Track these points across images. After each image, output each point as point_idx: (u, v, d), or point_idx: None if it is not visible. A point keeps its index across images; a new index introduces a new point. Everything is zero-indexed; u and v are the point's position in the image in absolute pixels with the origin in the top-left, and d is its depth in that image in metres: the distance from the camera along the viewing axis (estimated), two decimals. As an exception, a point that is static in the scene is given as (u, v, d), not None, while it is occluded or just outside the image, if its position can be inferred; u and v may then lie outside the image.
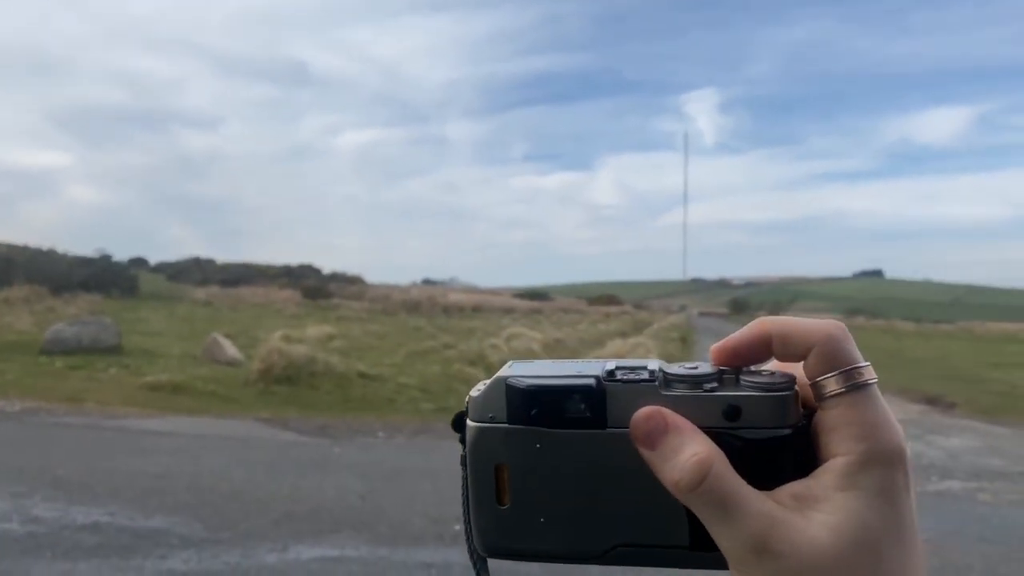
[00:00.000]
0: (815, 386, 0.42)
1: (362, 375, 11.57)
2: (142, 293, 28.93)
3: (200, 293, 31.10)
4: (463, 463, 0.47)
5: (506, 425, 0.45)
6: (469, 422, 0.46)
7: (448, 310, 29.70)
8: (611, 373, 0.44)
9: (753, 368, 0.43)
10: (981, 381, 14.66)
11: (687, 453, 0.41)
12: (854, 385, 0.41)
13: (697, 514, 0.41)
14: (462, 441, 0.47)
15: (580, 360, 0.47)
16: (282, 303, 28.39)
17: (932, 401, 11.97)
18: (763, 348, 0.43)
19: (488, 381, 0.46)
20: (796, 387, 0.42)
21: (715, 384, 0.43)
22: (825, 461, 0.41)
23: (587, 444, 0.44)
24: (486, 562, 0.48)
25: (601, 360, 0.46)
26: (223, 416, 9.03)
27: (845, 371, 0.41)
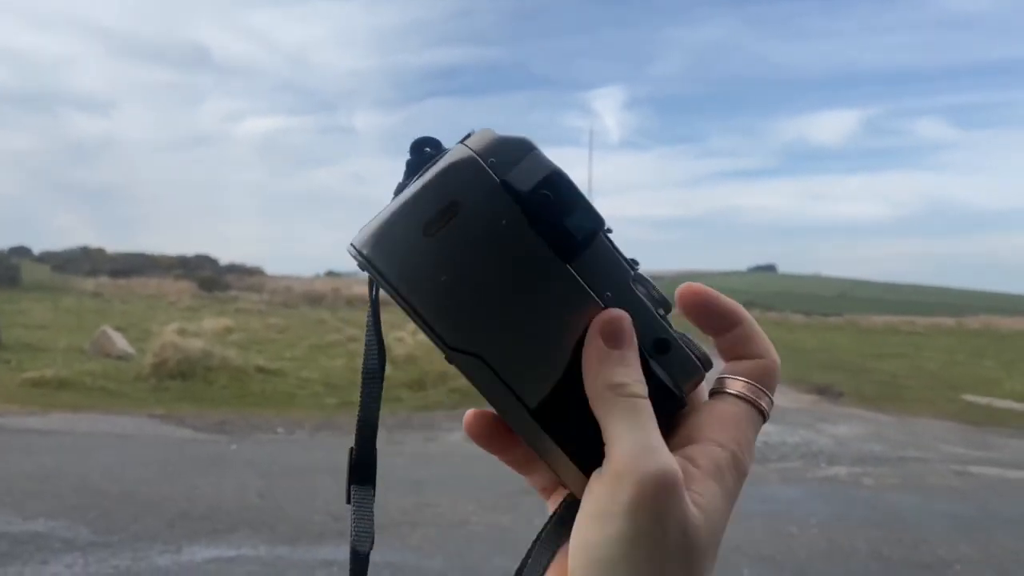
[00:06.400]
0: (727, 378, 0.44)
1: (261, 369, 11.25)
2: (25, 284, 27.40)
3: (88, 284, 29.67)
4: (409, 171, 0.43)
5: (496, 179, 0.40)
6: (464, 146, 0.41)
7: (353, 302, 29.22)
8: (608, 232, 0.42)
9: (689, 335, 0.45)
10: (866, 371, 15.43)
11: (640, 374, 0.41)
12: (758, 405, 0.43)
13: (615, 424, 0.40)
14: (409, 172, 0.43)
15: None
16: (176, 295, 27.33)
17: (822, 391, 12.52)
18: (727, 323, 0.44)
19: (504, 132, 0.41)
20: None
21: (663, 313, 0.43)
22: (689, 436, 0.42)
23: (543, 263, 0.41)
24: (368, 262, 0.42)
25: None
26: (113, 413, 8.63)
27: (760, 388, 0.43)
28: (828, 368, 15.67)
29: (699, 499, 0.39)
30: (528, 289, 0.41)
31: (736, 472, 0.41)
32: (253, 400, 9.86)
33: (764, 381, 0.43)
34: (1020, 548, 5.07)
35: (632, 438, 0.39)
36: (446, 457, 7.17)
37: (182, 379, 10.30)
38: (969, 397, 12.33)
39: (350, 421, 9.17)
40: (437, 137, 0.44)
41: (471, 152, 0.41)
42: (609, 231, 0.42)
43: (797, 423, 9.31)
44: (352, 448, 0.45)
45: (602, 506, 0.39)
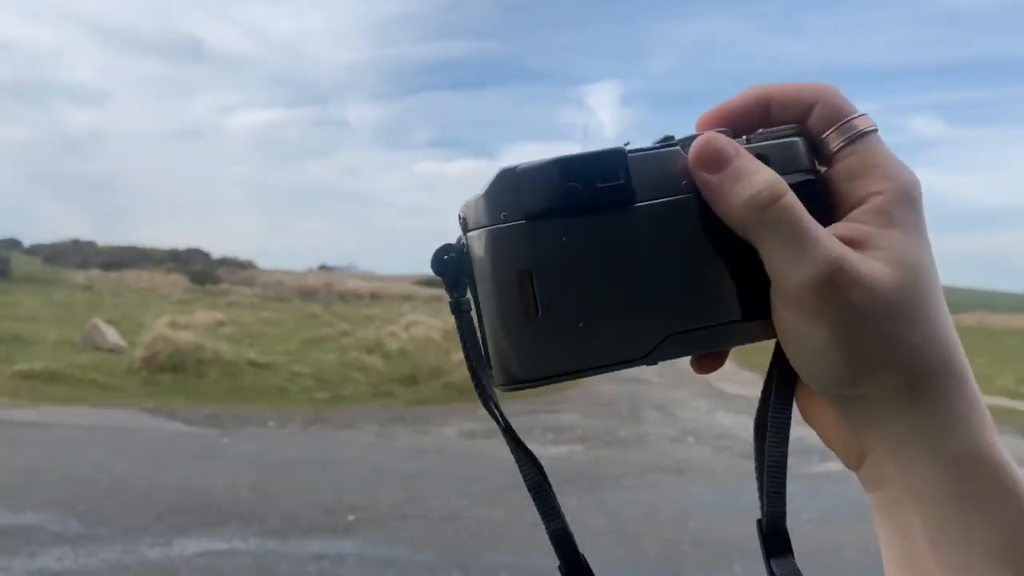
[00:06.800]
0: (820, 144, 0.42)
1: (252, 363, 11.22)
2: (15, 276, 27.25)
3: (80, 277, 29.55)
4: (457, 289, 0.41)
5: (524, 222, 0.39)
6: (474, 231, 0.40)
7: (345, 297, 29.20)
8: (626, 146, 0.40)
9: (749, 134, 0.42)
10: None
11: (763, 174, 0.39)
12: (860, 133, 0.41)
13: (764, 242, 0.39)
14: (451, 286, 0.41)
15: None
16: (168, 288, 27.25)
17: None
18: (759, 113, 0.43)
19: (482, 187, 0.40)
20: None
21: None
22: (848, 210, 0.40)
23: (618, 227, 0.40)
24: (531, 382, 0.42)
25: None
26: (104, 406, 8.61)
27: (848, 121, 0.41)
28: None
29: (885, 254, 0.38)
30: (637, 255, 0.40)
31: (902, 201, 0.39)
32: (244, 394, 9.83)
33: (837, 112, 0.41)
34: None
35: (780, 250, 0.38)
36: (438, 452, 7.15)
37: (173, 372, 10.27)
38: (960, 394, 12.37)
39: (341, 416, 9.15)
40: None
41: (484, 227, 0.40)
42: (627, 145, 0.41)
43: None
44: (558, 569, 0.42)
45: (795, 321, 0.39)
